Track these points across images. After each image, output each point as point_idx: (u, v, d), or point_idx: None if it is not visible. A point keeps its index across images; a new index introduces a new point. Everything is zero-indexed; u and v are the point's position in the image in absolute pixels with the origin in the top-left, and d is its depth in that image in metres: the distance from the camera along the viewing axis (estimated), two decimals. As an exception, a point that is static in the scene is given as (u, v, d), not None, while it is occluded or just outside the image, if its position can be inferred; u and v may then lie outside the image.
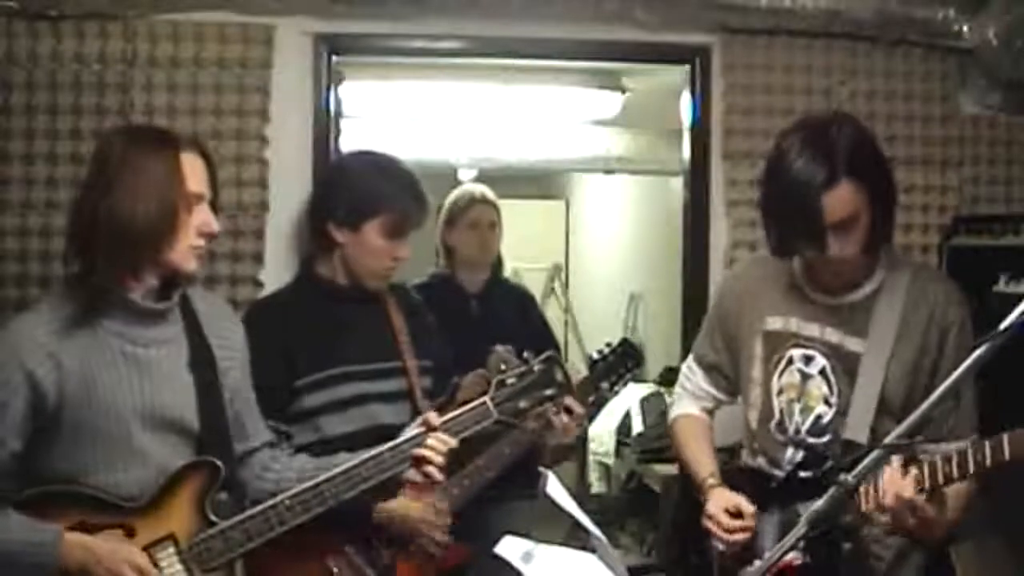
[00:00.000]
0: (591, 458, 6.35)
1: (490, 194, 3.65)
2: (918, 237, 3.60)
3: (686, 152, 3.68)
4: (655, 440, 5.49)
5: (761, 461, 2.39)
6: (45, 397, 1.99)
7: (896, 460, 2.05)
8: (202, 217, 2.08)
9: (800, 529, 1.79)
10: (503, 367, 2.38)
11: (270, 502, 2.12)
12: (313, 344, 2.59)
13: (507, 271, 3.86)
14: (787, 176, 2.14)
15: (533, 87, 5.11)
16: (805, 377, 2.31)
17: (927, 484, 1.97)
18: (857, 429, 2.22)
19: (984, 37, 3.37)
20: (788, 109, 3.53)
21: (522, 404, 2.34)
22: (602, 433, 6.15)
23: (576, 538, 1.81)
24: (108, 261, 2.00)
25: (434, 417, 2.27)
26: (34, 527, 1.96)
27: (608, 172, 6.56)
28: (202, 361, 2.15)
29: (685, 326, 3.65)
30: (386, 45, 3.54)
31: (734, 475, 2.46)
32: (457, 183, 4.18)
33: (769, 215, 2.26)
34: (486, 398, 2.32)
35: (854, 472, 1.73)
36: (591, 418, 3.25)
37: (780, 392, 2.35)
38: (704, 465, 2.44)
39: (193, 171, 2.07)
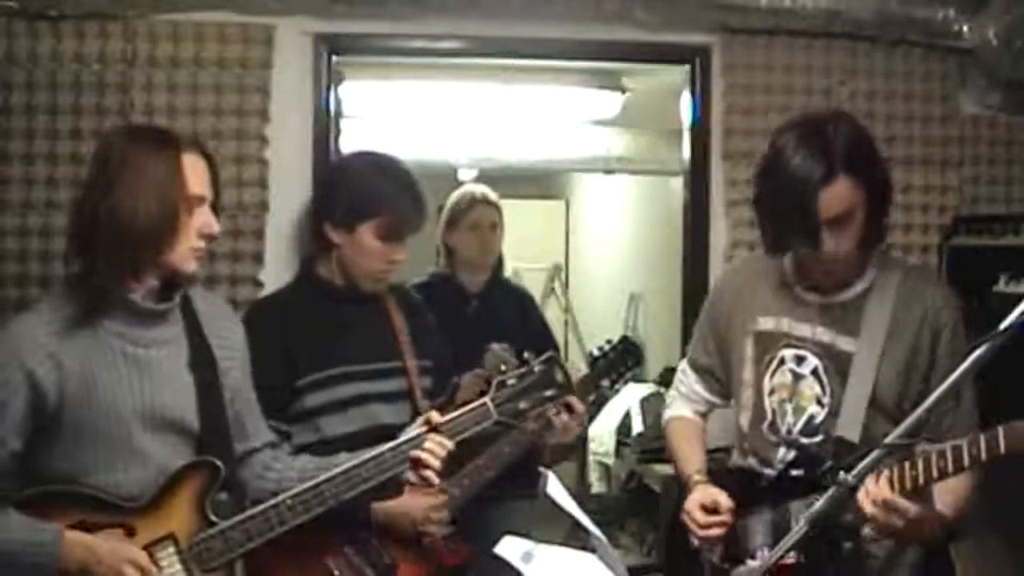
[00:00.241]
0: (591, 458, 6.36)
1: (491, 195, 3.65)
2: (918, 237, 3.61)
3: (686, 152, 3.68)
4: (655, 440, 5.49)
5: (752, 461, 2.38)
6: (45, 397, 1.99)
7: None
8: (203, 219, 2.08)
9: (800, 529, 1.79)
10: (503, 368, 2.38)
11: (270, 502, 2.12)
12: (313, 344, 2.59)
13: (507, 271, 3.86)
14: (784, 172, 2.14)
15: (533, 87, 5.11)
16: (797, 377, 2.31)
17: (921, 480, 1.96)
18: (849, 428, 2.22)
19: (984, 37, 3.37)
20: (788, 109, 3.52)
21: (522, 405, 2.34)
22: (602, 433, 6.15)
23: (576, 538, 1.81)
24: (109, 261, 2.00)
25: (436, 416, 2.27)
26: (34, 527, 1.96)
27: (608, 172, 6.56)
28: (202, 361, 2.15)
29: (685, 326, 3.65)
30: (386, 45, 3.54)
31: (724, 475, 2.46)
32: (457, 183, 4.18)
33: (764, 211, 2.25)
34: (486, 399, 2.32)
35: (854, 472, 1.73)
36: (591, 418, 3.25)
37: (772, 392, 2.34)
38: (691, 463, 2.45)
39: (194, 172, 2.06)
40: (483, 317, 3.55)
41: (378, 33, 3.46)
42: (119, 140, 2.11)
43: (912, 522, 1.99)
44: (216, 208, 2.13)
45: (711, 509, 2.30)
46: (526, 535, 1.70)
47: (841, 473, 2.12)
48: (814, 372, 2.29)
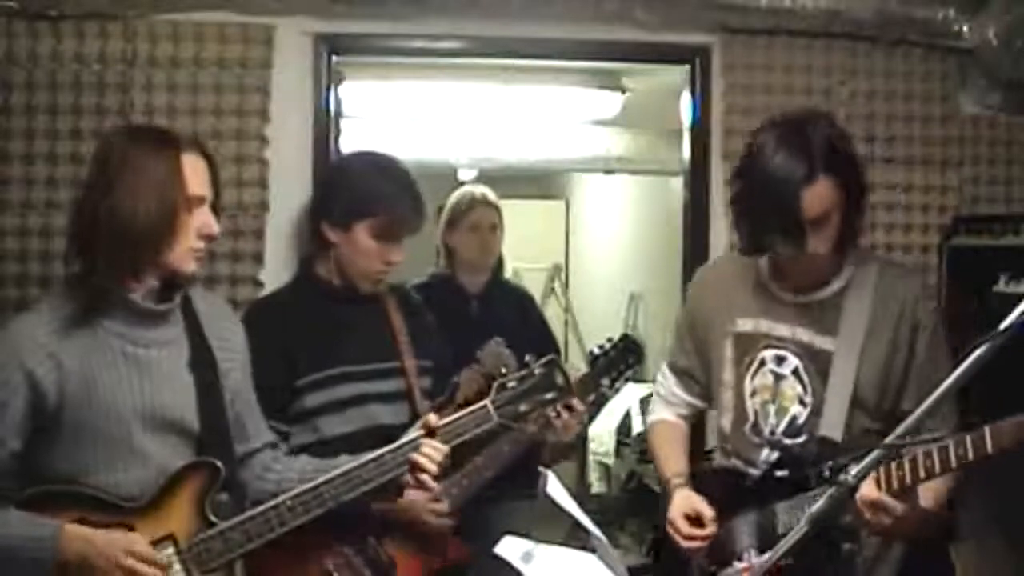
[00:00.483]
0: (591, 458, 6.36)
1: (492, 196, 3.65)
2: (918, 237, 3.60)
3: (686, 152, 3.68)
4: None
5: (736, 462, 2.39)
6: (45, 397, 1.99)
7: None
8: (202, 219, 2.08)
9: (800, 529, 1.79)
10: (503, 369, 2.38)
11: (270, 503, 2.13)
12: (312, 344, 2.59)
13: (507, 271, 3.86)
14: (764, 173, 2.14)
15: (533, 87, 5.11)
16: (778, 378, 2.32)
17: (908, 480, 1.96)
18: (832, 427, 2.23)
19: (984, 37, 3.37)
20: (788, 109, 3.53)
21: (522, 408, 2.34)
22: (602, 433, 6.15)
23: (576, 538, 1.81)
24: (108, 261, 2.01)
25: (434, 420, 2.27)
26: (33, 522, 1.97)
27: (608, 172, 6.56)
28: (203, 362, 2.15)
29: (685, 326, 3.65)
30: (386, 45, 3.54)
31: (708, 475, 2.46)
32: (457, 183, 4.18)
33: (744, 212, 2.25)
34: (486, 401, 2.32)
35: (854, 472, 1.73)
36: (591, 417, 3.25)
37: (753, 394, 2.35)
38: (670, 466, 2.45)
39: (194, 172, 2.06)
40: (483, 317, 3.55)
41: (378, 33, 3.46)
42: (119, 140, 2.11)
43: (899, 519, 2.01)
44: (216, 208, 2.13)
45: (694, 519, 2.30)
46: (526, 535, 1.70)
47: (826, 471, 2.14)
48: (795, 372, 2.30)
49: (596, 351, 2.97)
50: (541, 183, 8.72)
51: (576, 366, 3.66)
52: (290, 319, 2.62)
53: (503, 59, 3.93)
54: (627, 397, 5.91)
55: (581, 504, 1.80)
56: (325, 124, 3.44)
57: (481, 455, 2.83)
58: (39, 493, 2.01)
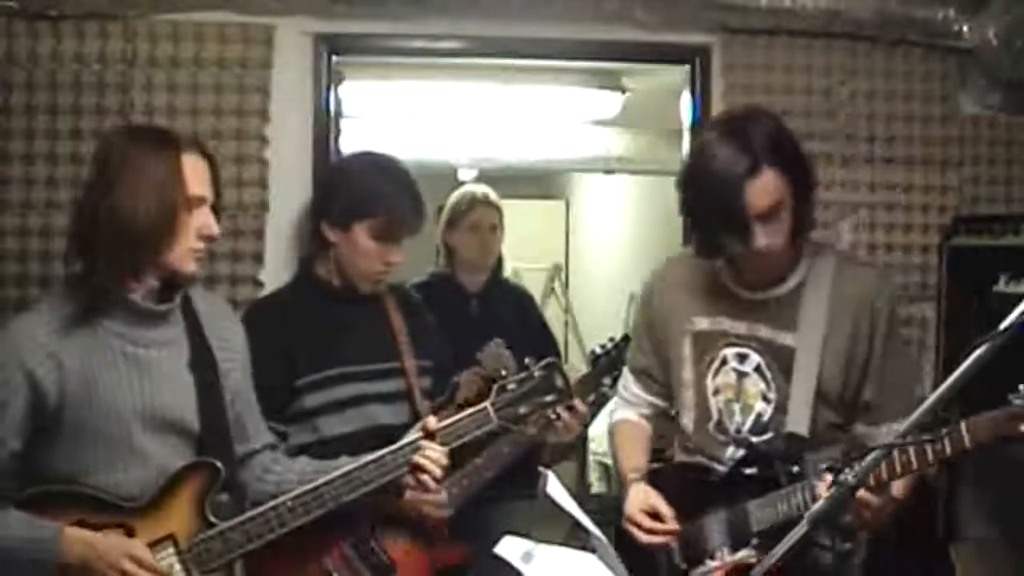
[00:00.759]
0: (591, 458, 6.35)
1: (492, 196, 3.65)
2: (918, 237, 3.60)
3: (686, 152, 3.67)
4: (655, 440, 5.48)
5: (699, 459, 2.38)
6: (45, 397, 1.99)
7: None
8: (202, 219, 2.08)
9: (800, 529, 1.79)
10: (503, 372, 2.38)
11: (270, 504, 2.13)
12: (312, 344, 2.59)
13: (507, 271, 3.86)
14: (709, 172, 2.14)
15: (533, 87, 5.11)
16: (741, 376, 2.32)
17: (885, 476, 1.97)
18: (798, 422, 2.23)
19: (984, 37, 3.37)
20: (788, 109, 3.53)
21: (522, 410, 2.34)
22: (602, 433, 6.12)
23: (576, 538, 1.81)
24: (108, 261, 2.00)
25: (433, 423, 2.27)
26: (34, 524, 1.97)
27: (608, 172, 6.55)
28: (203, 362, 2.15)
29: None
30: (386, 45, 3.54)
31: (670, 471, 2.46)
32: (457, 183, 4.18)
33: (694, 214, 2.25)
34: (486, 403, 2.32)
35: (854, 472, 1.73)
36: (592, 417, 3.25)
37: (716, 392, 2.35)
38: (627, 462, 2.45)
39: (194, 173, 2.06)
40: (483, 317, 3.55)
41: (378, 33, 3.46)
42: (119, 140, 2.11)
43: (875, 512, 2.02)
44: (217, 209, 2.13)
45: (653, 515, 2.30)
46: (526, 535, 1.70)
47: (794, 467, 2.17)
48: (757, 369, 2.30)
49: (597, 351, 2.98)
50: (541, 183, 8.72)
51: (576, 366, 3.66)
52: (290, 319, 2.62)
53: (503, 59, 3.93)
54: (627, 397, 5.90)
55: (581, 504, 1.80)
56: (325, 124, 3.44)
57: (481, 456, 2.83)
58: (39, 493, 2.01)
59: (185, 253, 2.06)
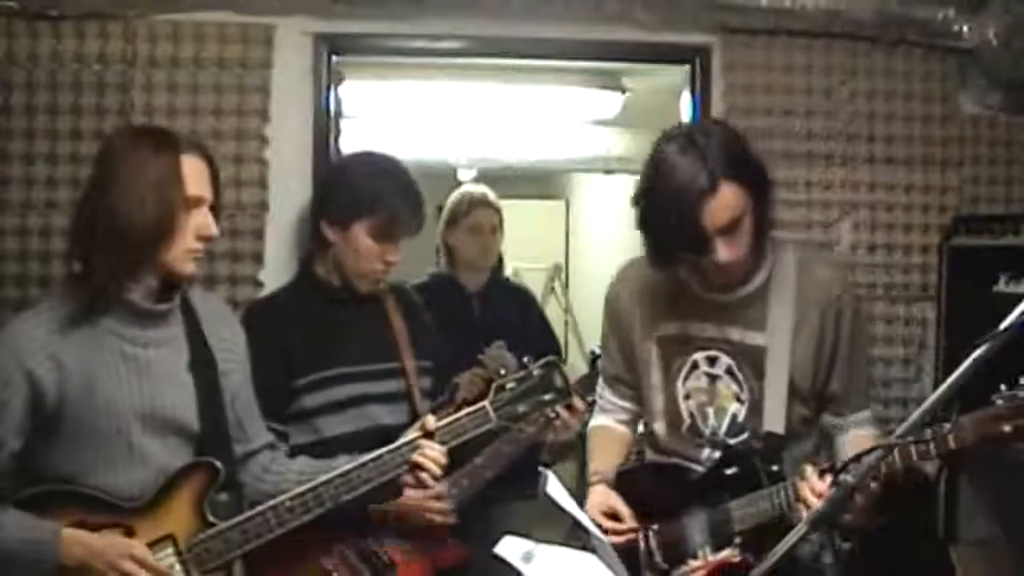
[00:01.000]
0: (591, 458, 6.34)
1: (492, 196, 3.65)
2: (918, 237, 3.61)
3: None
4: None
5: (675, 460, 2.39)
6: (44, 396, 1.99)
7: (809, 468, 2.08)
8: (200, 220, 2.07)
9: (800, 529, 1.79)
10: (502, 371, 2.38)
11: (269, 503, 2.12)
12: (311, 344, 2.59)
13: (507, 271, 3.86)
14: (667, 190, 2.12)
15: (533, 87, 5.10)
16: (712, 378, 2.32)
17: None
18: (774, 421, 2.24)
19: (984, 37, 3.37)
20: (788, 109, 3.54)
21: (521, 409, 2.33)
22: (602, 433, 6.13)
23: (576, 538, 1.81)
24: (107, 261, 2.00)
25: (431, 422, 2.26)
26: (32, 525, 1.96)
27: (608, 172, 6.55)
28: (202, 362, 2.15)
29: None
30: (386, 45, 3.54)
31: (646, 471, 2.46)
32: (457, 183, 4.18)
33: (650, 229, 2.23)
34: (485, 403, 2.32)
35: (854, 473, 1.73)
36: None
37: (688, 397, 2.35)
38: (593, 464, 2.47)
39: (193, 173, 2.06)
40: (484, 316, 3.55)
41: (378, 33, 3.46)
42: (119, 140, 2.11)
43: (856, 512, 2.03)
44: (216, 209, 2.12)
45: (612, 516, 2.31)
46: (526, 535, 1.70)
47: (773, 466, 2.18)
48: (728, 371, 2.30)
49: (597, 351, 2.97)
50: (541, 183, 8.72)
51: (576, 366, 3.66)
52: (289, 319, 2.62)
53: (503, 59, 3.93)
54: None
55: (581, 504, 1.80)
56: (325, 124, 3.44)
57: (481, 455, 2.83)
58: (38, 493, 2.01)
59: (183, 254, 2.06)
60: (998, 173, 3.67)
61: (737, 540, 2.20)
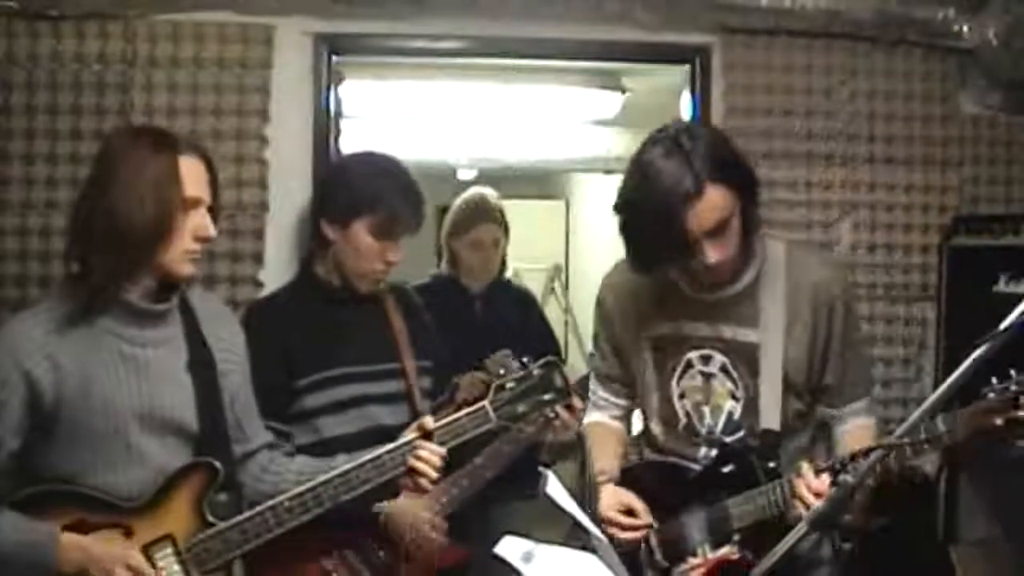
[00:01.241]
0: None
1: (496, 208, 3.66)
2: (918, 237, 3.61)
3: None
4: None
5: (672, 458, 2.39)
6: (42, 397, 1.98)
7: (805, 465, 2.08)
8: (198, 221, 2.07)
9: (800, 529, 1.79)
10: (502, 371, 2.38)
11: (268, 503, 2.12)
12: (312, 345, 2.59)
13: (507, 271, 3.86)
14: (652, 194, 2.11)
15: (533, 87, 5.10)
16: (707, 377, 2.32)
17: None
18: (770, 418, 2.24)
19: (984, 37, 3.37)
20: (788, 109, 3.54)
21: (521, 409, 2.33)
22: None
23: (576, 538, 1.80)
24: (105, 261, 2.00)
25: (429, 422, 2.26)
26: (29, 527, 1.96)
27: (608, 172, 6.54)
28: (201, 362, 2.15)
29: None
30: (386, 45, 3.54)
31: (645, 470, 2.46)
32: (457, 183, 4.19)
33: (635, 235, 2.22)
34: (485, 402, 2.31)
35: (854, 473, 1.73)
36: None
37: (683, 396, 2.35)
38: (598, 463, 2.46)
39: (191, 175, 2.06)
40: (486, 317, 3.56)
41: (378, 33, 3.46)
42: (118, 140, 2.11)
43: (859, 508, 2.06)
44: (215, 210, 2.12)
45: (627, 512, 2.31)
46: (526, 535, 1.70)
47: (769, 463, 2.19)
48: (723, 369, 2.31)
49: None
50: (541, 183, 8.71)
51: (576, 366, 3.66)
52: (290, 320, 2.62)
53: (503, 59, 3.93)
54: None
55: (581, 504, 1.80)
56: (325, 124, 3.44)
57: (481, 455, 2.83)
58: (37, 493, 2.01)
59: (181, 255, 2.06)
60: (998, 173, 3.67)
61: (735, 537, 2.20)
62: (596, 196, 8.11)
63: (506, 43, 3.56)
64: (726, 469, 2.27)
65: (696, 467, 2.33)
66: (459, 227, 3.62)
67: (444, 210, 3.80)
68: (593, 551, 1.74)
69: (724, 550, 2.20)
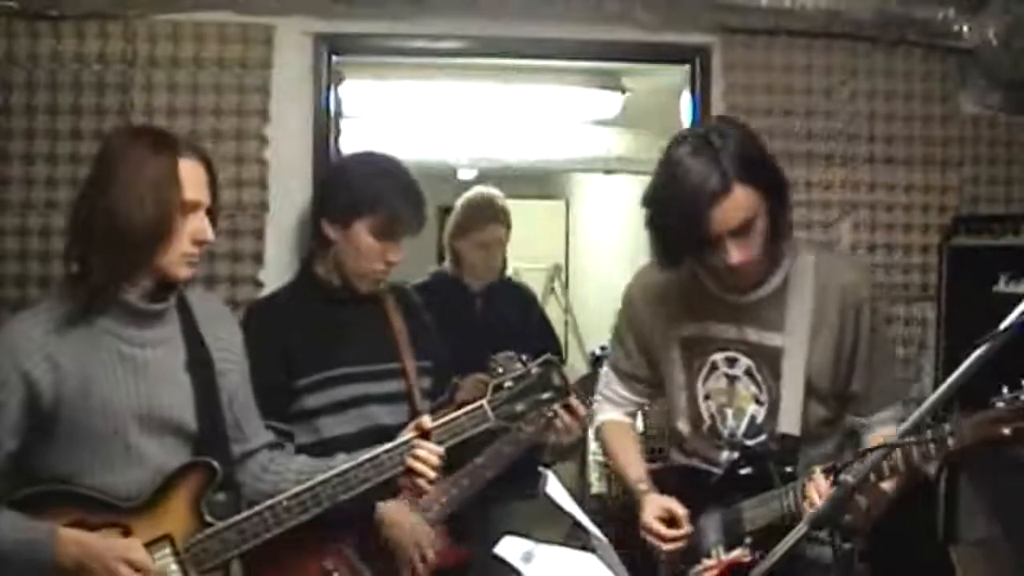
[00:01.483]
0: (591, 458, 6.34)
1: (501, 210, 3.66)
2: (918, 237, 3.61)
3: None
4: (655, 439, 5.48)
5: (696, 461, 2.39)
6: (41, 397, 1.98)
7: (817, 469, 2.08)
8: (196, 223, 2.06)
9: (800, 529, 1.79)
10: (501, 371, 2.38)
11: (267, 503, 2.12)
12: (312, 345, 2.59)
13: (508, 271, 3.87)
14: (680, 191, 2.11)
15: (533, 87, 5.10)
16: (732, 380, 2.32)
17: (873, 478, 1.98)
18: (790, 423, 2.24)
19: (984, 37, 3.37)
20: (788, 109, 3.54)
21: (519, 408, 2.33)
22: (601, 433, 6.13)
23: (576, 538, 1.80)
24: (104, 262, 2.00)
25: (427, 421, 2.26)
26: (27, 525, 1.96)
27: (608, 172, 6.55)
28: (199, 362, 2.15)
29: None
30: (386, 45, 3.54)
31: (669, 473, 2.46)
32: (457, 183, 4.19)
33: (661, 230, 2.22)
34: (483, 401, 2.31)
35: (854, 473, 1.73)
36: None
37: (707, 397, 2.35)
38: (631, 472, 2.45)
39: (191, 177, 2.05)
40: (486, 315, 3.56)
41: (378, 33, 3.46)
42: (118, 141, 2.11)
43: (861, 514, 2.05)
44: (214, 212, 2.12)
45: (669, 520, 2.30)
46: (526, 535, 1.70)
47: (786, 468, 2.19)
48: (747, 372, 2.30)
49: (598, 351, 2.97)
50: (541, 183, 8.71)
51: (576, 366, 3.66)
52: (290, 320, 2.62)
53: (503, 59, 3.93)
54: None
55: (581, 504, 1.80)
56: (325, 124, 3.44)
57: (481, 455, 2.83)
58: (35, 493, 2.00)
59: (179, 257, 2.05)
60: (998, 173, 3.67)
61: (748, 540, 2.20)
62: (596, 196, 8.11)
63: (506, 43, 3.56)
64: (744, 471, 2.28)
65: (717, 471, 2.33)
66: (465, 227, 3.62)
67: (445, 210, 3.80)
68: (593, 551, 1.74)
69: (736, 552, 2.20)
